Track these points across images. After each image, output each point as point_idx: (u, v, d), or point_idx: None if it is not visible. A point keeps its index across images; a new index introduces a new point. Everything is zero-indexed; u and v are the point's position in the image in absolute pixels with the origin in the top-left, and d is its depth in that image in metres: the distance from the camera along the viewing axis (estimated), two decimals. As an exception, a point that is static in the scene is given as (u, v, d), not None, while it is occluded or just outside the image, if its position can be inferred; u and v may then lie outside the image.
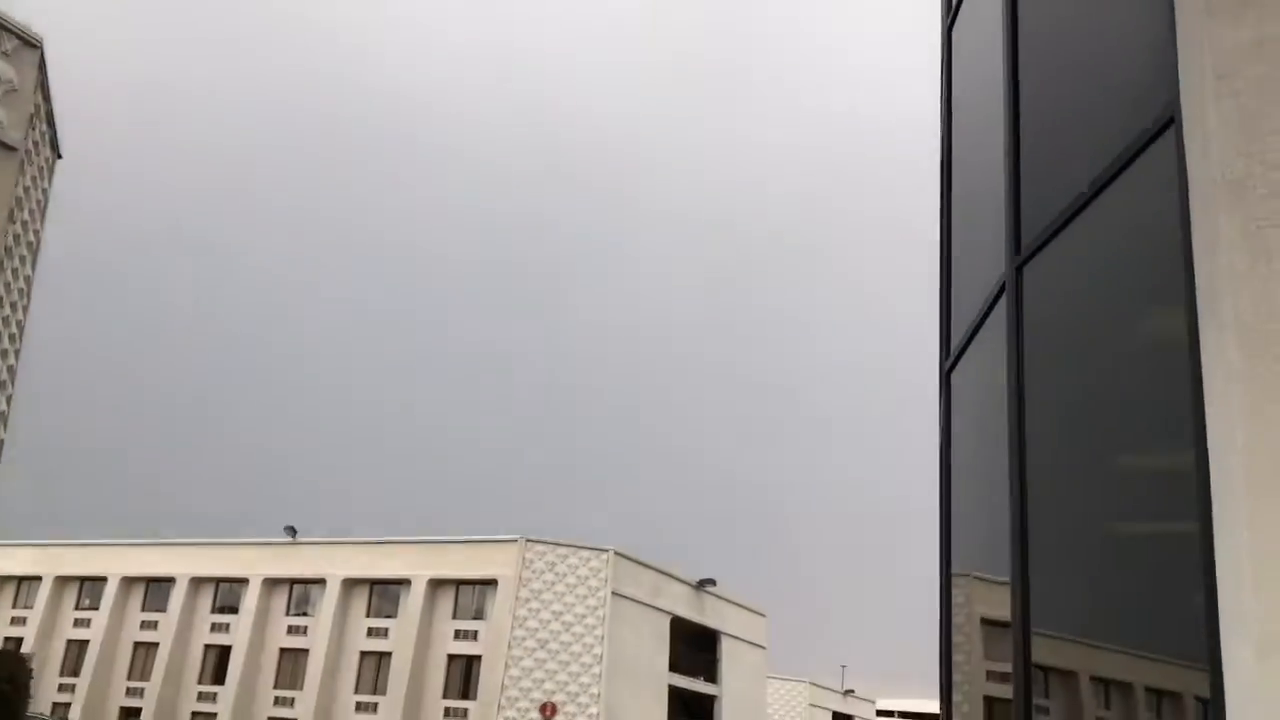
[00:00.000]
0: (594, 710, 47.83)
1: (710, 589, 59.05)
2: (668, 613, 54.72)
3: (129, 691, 55.49)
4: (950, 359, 6.14)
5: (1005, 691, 3.79)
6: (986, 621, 4.20)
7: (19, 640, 58.19)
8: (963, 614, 4.91)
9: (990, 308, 5.05)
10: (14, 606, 60.18)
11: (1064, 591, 3.87)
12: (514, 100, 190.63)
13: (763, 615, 66.31)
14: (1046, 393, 4.35)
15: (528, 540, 50.82)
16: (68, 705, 55.38)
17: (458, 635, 50.65)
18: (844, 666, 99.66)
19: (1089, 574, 3.79)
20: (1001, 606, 3.97)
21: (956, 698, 4.72)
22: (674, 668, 55.28)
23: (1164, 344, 3.51)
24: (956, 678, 4.79)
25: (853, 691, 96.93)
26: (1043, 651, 3.70)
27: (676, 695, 55.81)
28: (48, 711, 55.16)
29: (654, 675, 52.93)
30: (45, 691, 56.69)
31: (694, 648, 57.96)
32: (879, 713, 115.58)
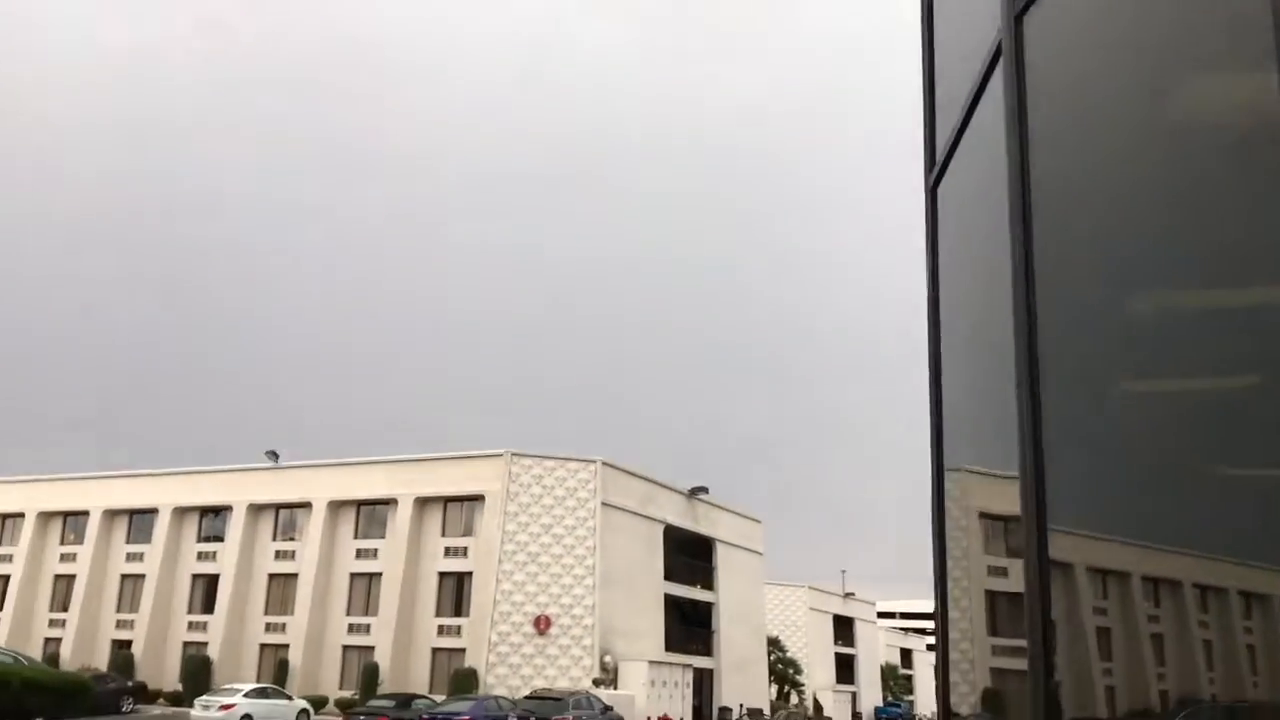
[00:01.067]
0: (589, 621, 47.21)
1: (703, 496, 58.25)
2: (660, 521, 53.95)
3: (119, 624, 54.86)
4: (935, 168, 4.64)
5: (1006, 585, 3.21)
6: (986, 516, 3.59)
7: (5, 578, 57.51)
8: (959, 507, 4.18)
9: (983, 84, 3.58)
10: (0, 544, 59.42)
11: (1086, 476, 2.74)
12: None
13: (758, 521, 65.76)
14: (1061, 202, 2.97)
15: (513, 454, 49.75)
16: (59, 640, 54.81)
17: (447, 553, 49.82)
18: (844, 571, 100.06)
19: (1118, 449, 2.58)
20: (1003, 499, 3.14)
21: (955, 593, 4.16)
22: (670, 576, 54.74)
23: (1235, 117, 2.12)
24: (955, 573, 4.19)
25: (853, 595, 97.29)
26: (1062, 548, 2.71)
27: (673, 603, 55.34)
28: (40, 645, 54.64)
29: (649, 584, 52.31)
30: (37, 627, 56.18)
31: (689, 556, 57.42)
32: (880, 614, 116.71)
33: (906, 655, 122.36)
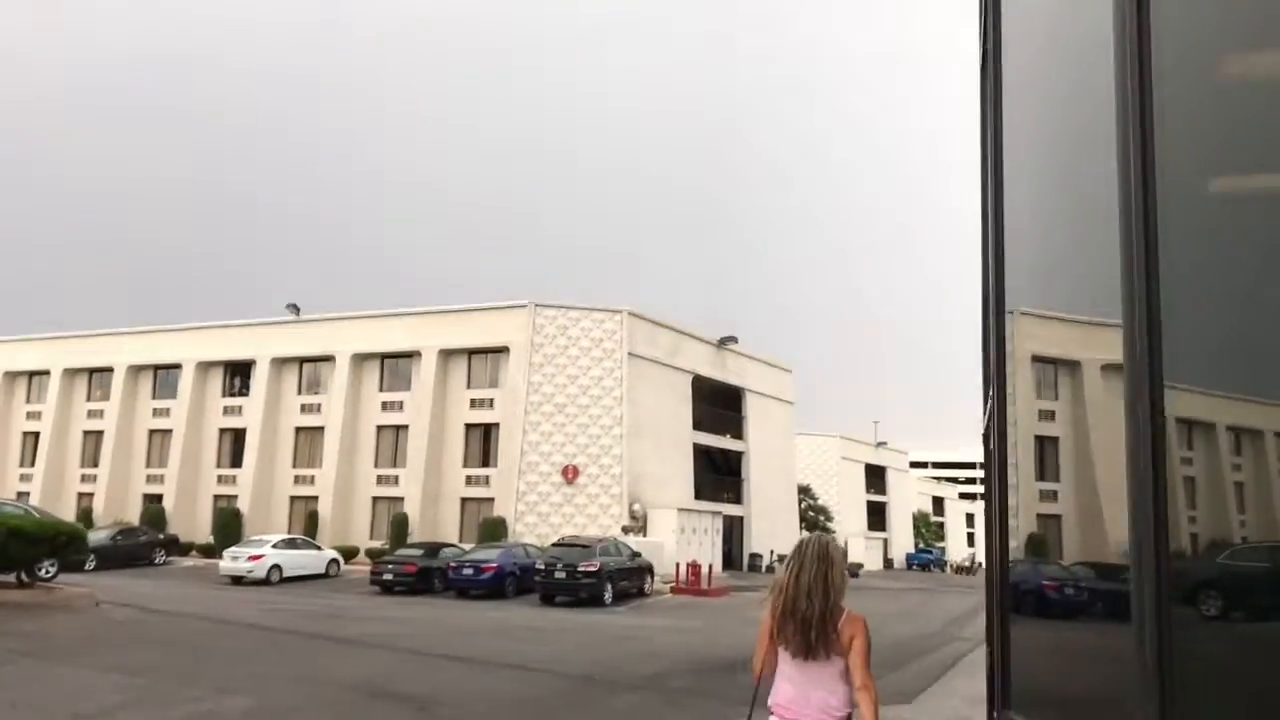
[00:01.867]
0: (617, 471, 46.74)
1: (732, 346, 57.12)
2: (688, 372, 52.97)
3: (149, 479, 55.12)
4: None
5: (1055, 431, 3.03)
6: (1039, 359, 3.21)
7: (35, 434, 57.69)
8: (1020, 352, 3.73)
9: None
10: (28, 401, 59.43)
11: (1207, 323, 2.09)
12: None
13: (788, 370, 64.75)
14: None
15: (537, 305, 48.56)
16: (91, 495, 55.22)
17: (473, 404, 49.19)
18: (876, 422, 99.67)
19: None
20: (1068, 343, 2.85)
21: (1011, 438, 3.72)
22: (699, 426, 54.10)
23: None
24: (1007, 420, 3.77)
25: (885, 444, 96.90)
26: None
27: (703, 453, 54.85)
28: (74, 501, 55.10)
29: (678, 434, 51.67)
30: (69, 484, 56.58)
31: (719, 406, 56.69)
32: (912, 464, 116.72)
33: (938, 503, 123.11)
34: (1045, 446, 3.31)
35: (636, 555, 35.30)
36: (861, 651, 4.73)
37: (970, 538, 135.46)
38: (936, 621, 31.17)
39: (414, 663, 15.64)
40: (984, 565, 6.29)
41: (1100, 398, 2.71)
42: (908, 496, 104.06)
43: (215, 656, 15.65)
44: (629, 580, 33.75)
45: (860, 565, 75.15)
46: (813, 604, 4.72)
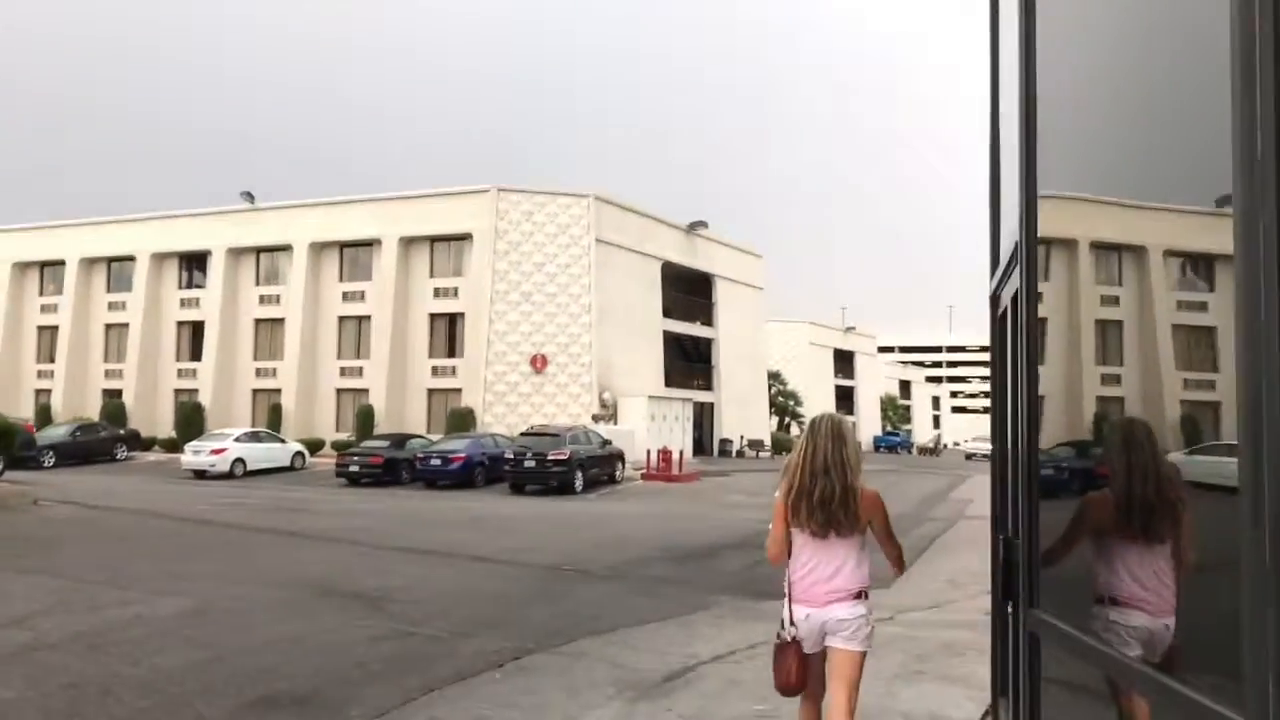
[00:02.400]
0: (586, 359, 46.00)
1: (702, 232, 55.99)
2: (657, 258, 51.91)
3: (108, 374, 53.83)
4: None
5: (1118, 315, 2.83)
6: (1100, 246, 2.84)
7: (-13, 330, 56.14)
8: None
9: None
10: (-23, 297, 57.67)
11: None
12: None
13: (759, 256, 63.80)
14: None
15: (500, 189, 47.10)
16: (49, 392, 53.98)
17: (437, 294, 48.03)
18: (844, 308, 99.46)
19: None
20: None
21: (1056, 323, 3.34)
22: (669, 313, 53.30)
23: None
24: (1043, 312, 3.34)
25: (854, 329, 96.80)
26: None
27: (673, 340, 54.18)
28: (31, 398, 53.88)
29: (648, 321, 50.86)
30: (25, 380, 55.27)
31: (689, 292, 55.83)
32: (880, 348, 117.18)
33: (905, 387, 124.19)
34: (1107, 330, 2.98)
35: (607, 443, 34.78)
36: (884, 525, 4.89)
37: (936, 420, 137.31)
38: (909, 502, 30.96)
39: (373, 557, 14.94)
40: (991, 451, 5.53)
41: (1182, 282, 2.41)
42: (875, 380, 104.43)
43: (158, 555, 14.87)
44: (599, 468, 33.29)
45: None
46: (832, 482, 4.74)
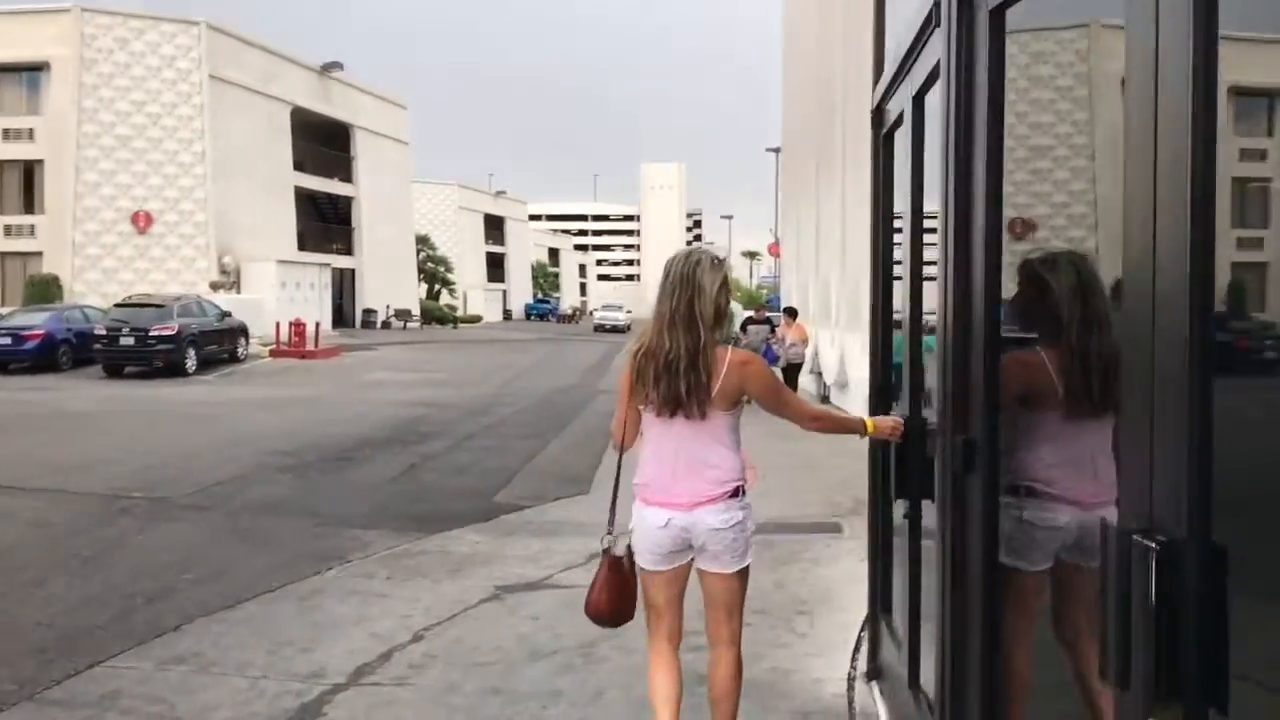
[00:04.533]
0: (201, 218, 39.67)
1: (338, 75, 49.95)
2: (286, 102, 45.60)
3: None
4: None
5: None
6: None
7: None
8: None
9: None
10: None
11: None
12: None
13: (403, 107, 58.55)
14: None
15: (86, 10, 38.91)
16: None
17: (7, 136, 39.39)
18: (491, 175, 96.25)
19: None
20: None
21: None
22: (301, 167, 47.45)
23: None
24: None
25: (504, 193, 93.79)
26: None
27: (307, 197, 48.52)
28: None
29: (276, 175, 44.76)
30: None
31: (324, 144, 50.01)
32: (530, 216, 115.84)
33: (554, 254, 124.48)
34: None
35: (226, 315, 29.60)
36: (769, 393, 3.73)
37: (583, 287, 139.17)
38: (574, 373, 28.62)
39: None
40: (871, 310, 4.46)
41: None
42: (526, 248, 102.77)
43: None
44: (218, 344, 28.28)
45: (479, 317, 72.71)
46: (676, 343, 3.52)
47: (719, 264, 3.64)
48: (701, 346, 3.52)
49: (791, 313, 17.07)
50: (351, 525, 8.47)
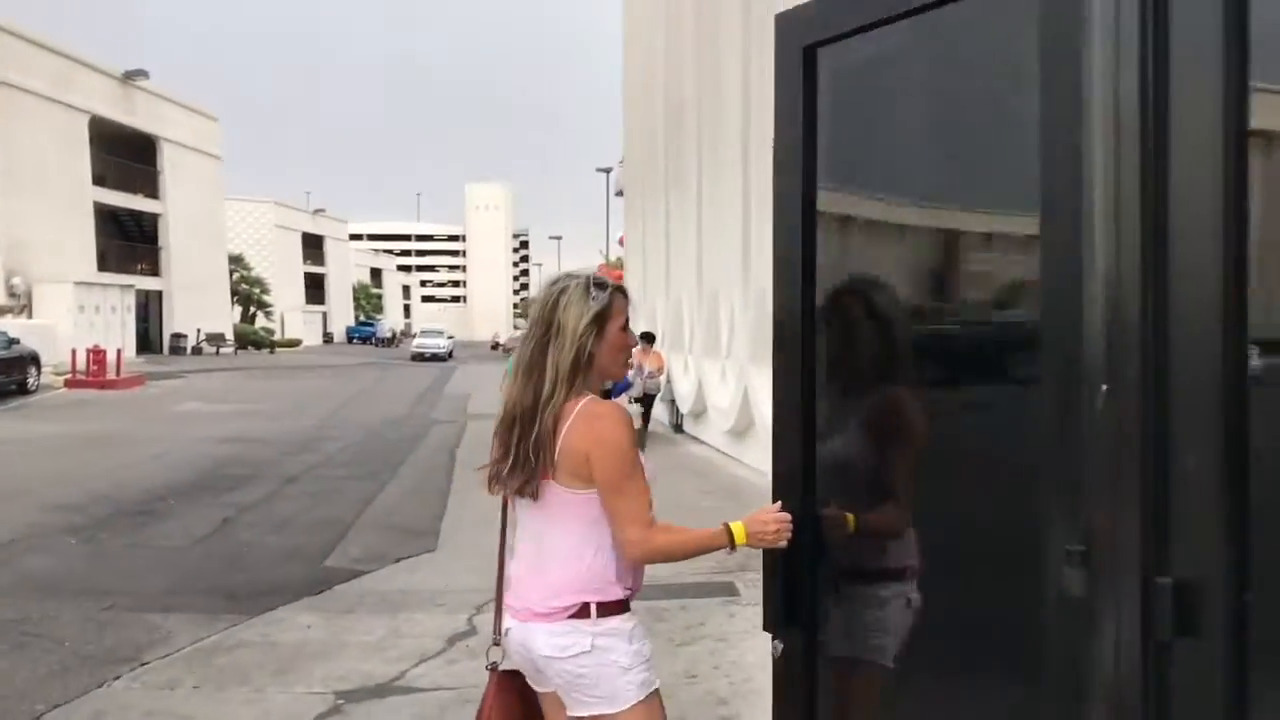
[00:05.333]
0: (-16, 236, 36.03)
1: (142, 83, 46.63)
2: (83, 111, 42.12)
3: None
4: None
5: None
6: None
7: None
8: None
9: None
10: None
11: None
12: None
13: (214, 119, 55.29)
14: None
15: None
16: None
17: None
18: (309, 192, 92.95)
19: None
20: None
21: None
22: (101, 182, 44.00)
23: None
24: None
25: (323, 211, 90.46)
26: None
27: (108, 214, 45.12)
28: None
29: (72, 190, 41.23)
30: None
31: (127, 157, 46.54)
32: (351, 236, 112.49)
33: (377, 274, 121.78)
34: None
35: (14, 342, 26.78)
36: (610, 475, 2.52)
37: (407, 309, 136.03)
38: (404, 402, 27.02)
39: None
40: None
41: None
42: (347, 268, 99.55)
43: None
44: (5, 374, 25.54)
45: (298, 340, 69.44)
46: (516, 398, 2.61)
47: (597, 293, 2.62)
48: (542, 401, 2.57)
49: (648, 338, 16.08)
50: (149, 608, 6.92)
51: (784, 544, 2.37)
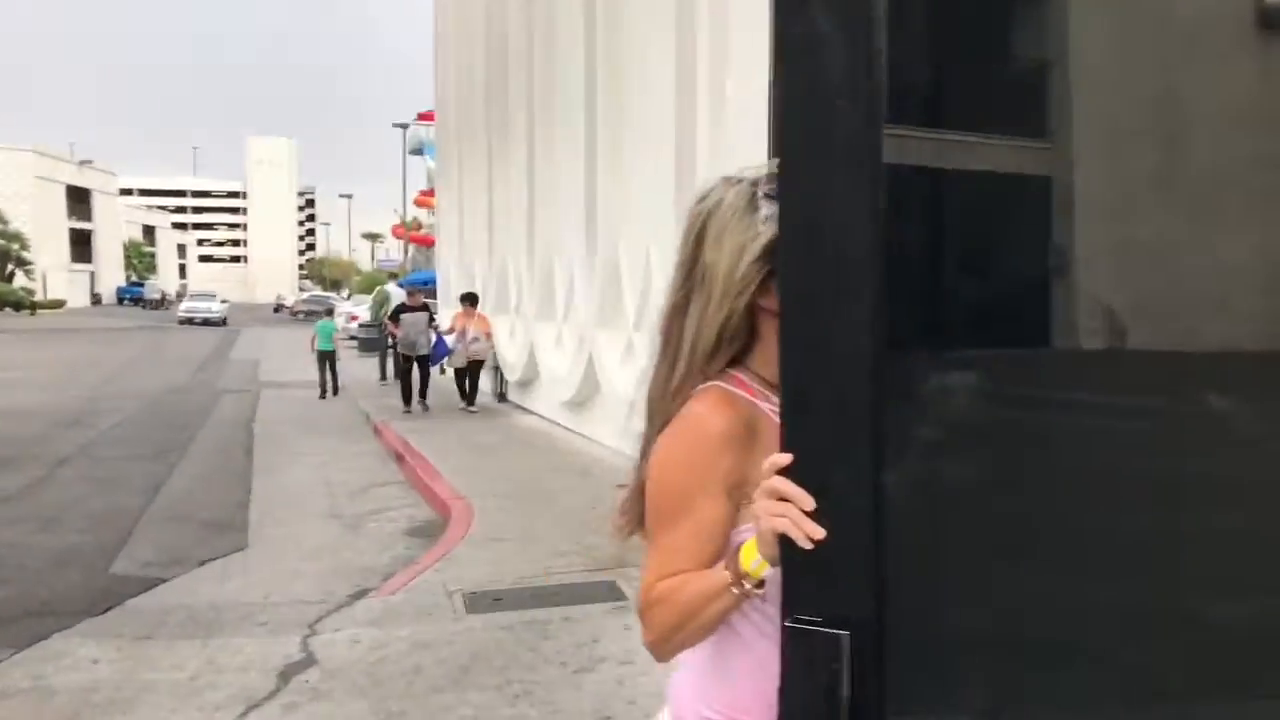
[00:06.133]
0: None
1: None
2: None
3: None
4: None
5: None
6: None
7: None
8: None
9: None
10: None
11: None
12: None
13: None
14: None
15: None
16: None
17: None
18: (73, 144, 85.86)
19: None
20: None
21: None
22: None
23: None
24: None
25: (90, 163, 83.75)
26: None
27: None
28: None
29: None
30: None
31: None
32: (121, 191, 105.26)
33: (150, 232, 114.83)
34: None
35: None
36: (648, 512, 1.48)
37: (183, 269, 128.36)
38: (185, 368, 24.76)
39: None
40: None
41: None
42: (117, 224, 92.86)
43: None
44: None
45: (63, 301, 63.98)
46: (652, 389, 1.56)
47: (770, 208, 1.41)
48: (671, 391, 1.50)
49: (471, 299, 14.73)
50: None
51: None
